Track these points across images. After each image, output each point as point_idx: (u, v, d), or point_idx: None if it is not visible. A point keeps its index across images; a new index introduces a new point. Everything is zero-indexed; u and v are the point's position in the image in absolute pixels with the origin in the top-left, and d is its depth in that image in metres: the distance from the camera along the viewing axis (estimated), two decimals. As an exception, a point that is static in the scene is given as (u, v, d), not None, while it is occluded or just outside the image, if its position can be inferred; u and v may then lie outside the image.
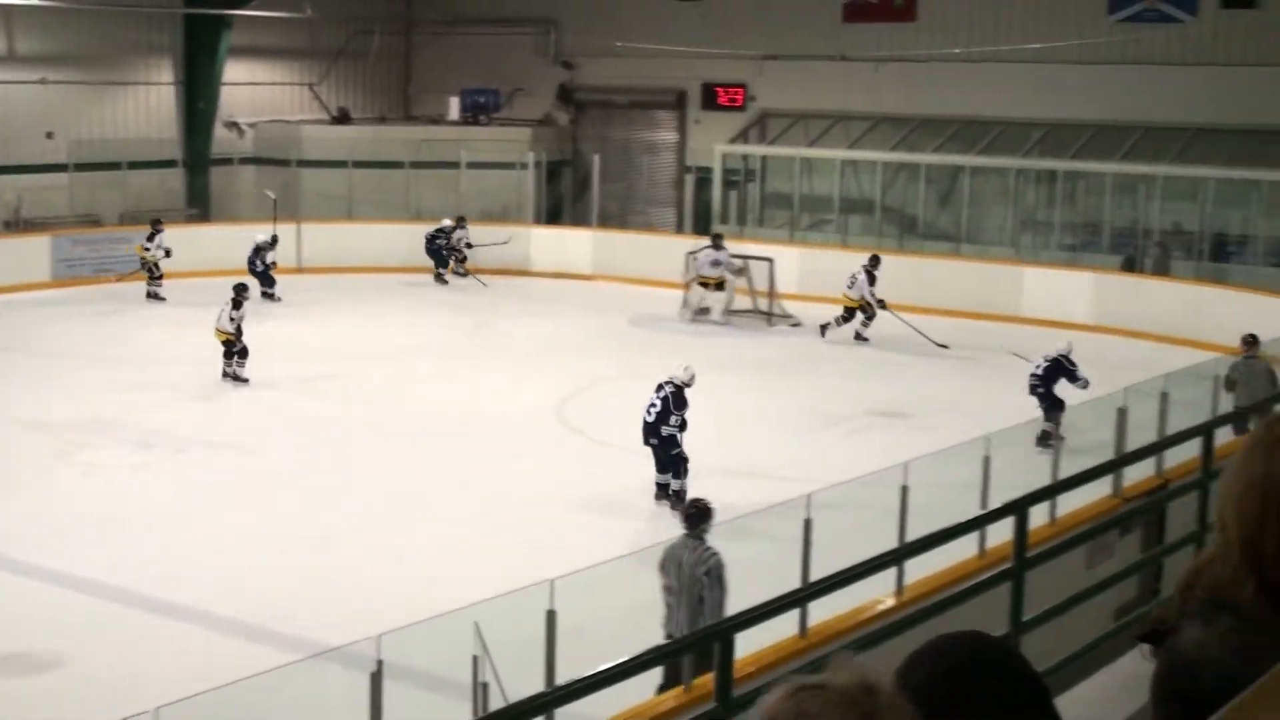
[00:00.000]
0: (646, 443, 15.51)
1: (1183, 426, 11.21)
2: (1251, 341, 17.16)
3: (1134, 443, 12.20)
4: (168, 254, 27.30)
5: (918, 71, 30.62)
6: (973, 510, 9.32)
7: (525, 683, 7.59)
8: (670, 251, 28.83)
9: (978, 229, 29.75)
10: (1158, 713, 2.64)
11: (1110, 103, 28.43)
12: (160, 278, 27.42)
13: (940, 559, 9.94)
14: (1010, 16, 29.70)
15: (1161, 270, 26.86)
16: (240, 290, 21.47)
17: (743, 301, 26.59)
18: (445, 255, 30.11)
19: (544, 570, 9.22)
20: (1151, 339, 24.65)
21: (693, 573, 10.10)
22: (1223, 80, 27.46)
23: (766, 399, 20.52)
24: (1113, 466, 11.14)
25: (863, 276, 24.78)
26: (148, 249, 27.37)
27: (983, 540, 10.53)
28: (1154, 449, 11.88)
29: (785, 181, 32.06)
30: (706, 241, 27.28)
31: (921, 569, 10.05)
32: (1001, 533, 8.37)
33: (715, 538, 10.20)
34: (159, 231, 27.54)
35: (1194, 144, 27.41)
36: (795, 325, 26.02)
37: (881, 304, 24.59)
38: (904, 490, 10.76)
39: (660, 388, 15.52)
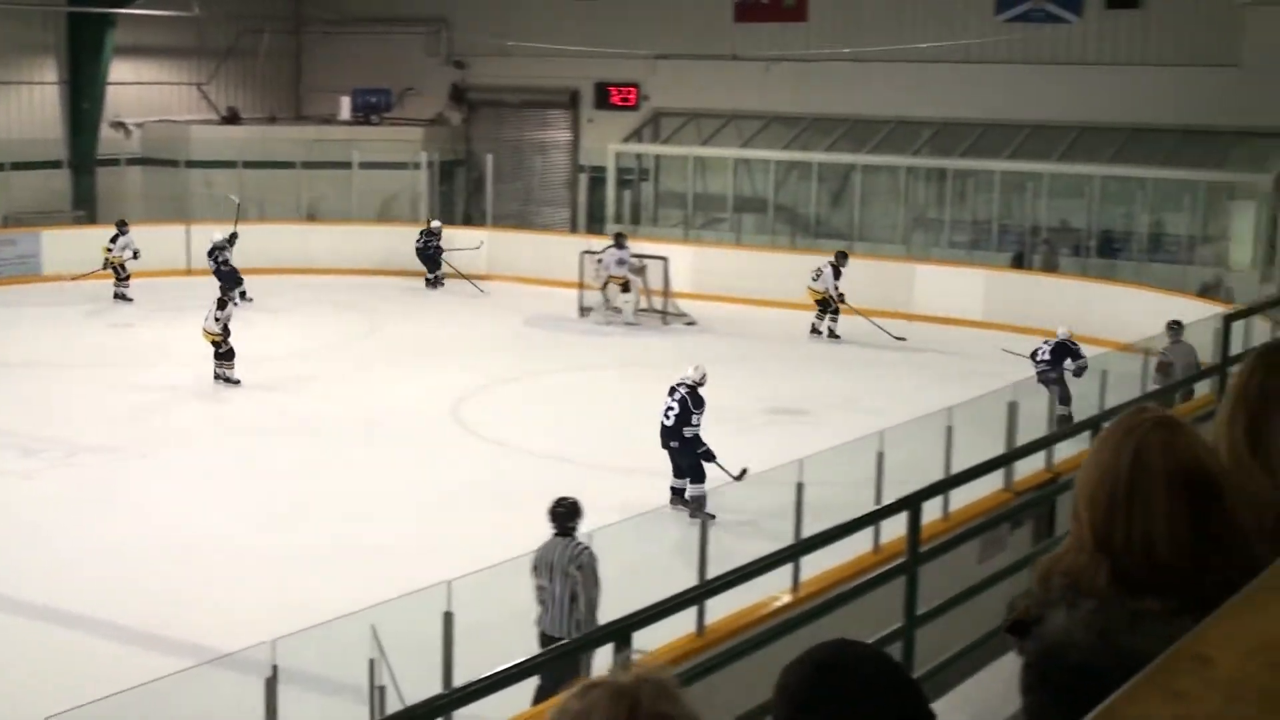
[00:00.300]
0: (665, 446, 15.28)
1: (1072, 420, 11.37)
2: (1176, 327, 17.71)
3: (1024, 436, 12.37)
4: (135, 255, 27.27)
5: (809, 71, 30.82)
6: (868, 506, 9.38)
7: (423, 685, 7.54)
8: (565, 251, 28.84)
9: (870, 227, 30.00)
10: (1028, 702, 2.71)
11: (998, 102, 28.79)
12: (127, 279, 27.29)
13: (836, 555, 10.01)
14: (899, 17, 29.98)
15: (1050, 267, 27.27)
16: (225, 291, 21.21)
17: (627, 298, 26.59)
18: (438, 258, 29.74)
19: (441, 571, 9.17)
20: (1040, 334, 24.94)
21: (565, 569, 10.15)
22: (1108, 79, 27.91)
23: (662, 398, 20.50)
24: (1004, 461, 11.27)
25: (828, 270, 25.02)
26: (110, 249, 27.26)
27: (877, 536, 10.62)
28: (1044, 443, 12.06)
29: (679, 180, 32.15)
30: (607, 241, 27.32)
31: (817, 565, 10.11)
32: (896, 528, 8.44)
33: (614, 537, 10.22)
34: (124, 233, 27.44)
35: (1080, 142, 27.84)
36: (690, 324, 26.10)
37: (841, 298, 24.84)
38: (799, 487, 10.83)
39: (673, 390, 15.35)
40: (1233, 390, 3.29)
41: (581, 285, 27.01)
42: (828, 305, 25.18)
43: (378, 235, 31.28)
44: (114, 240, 27.37)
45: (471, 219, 34.10)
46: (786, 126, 31.03)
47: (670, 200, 32.35)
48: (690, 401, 15.19)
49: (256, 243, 29.99)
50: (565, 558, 10.20)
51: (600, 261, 26.50)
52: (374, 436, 18.26)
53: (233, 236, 27.29)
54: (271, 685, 7.85)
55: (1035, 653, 2.69)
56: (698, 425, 15.09)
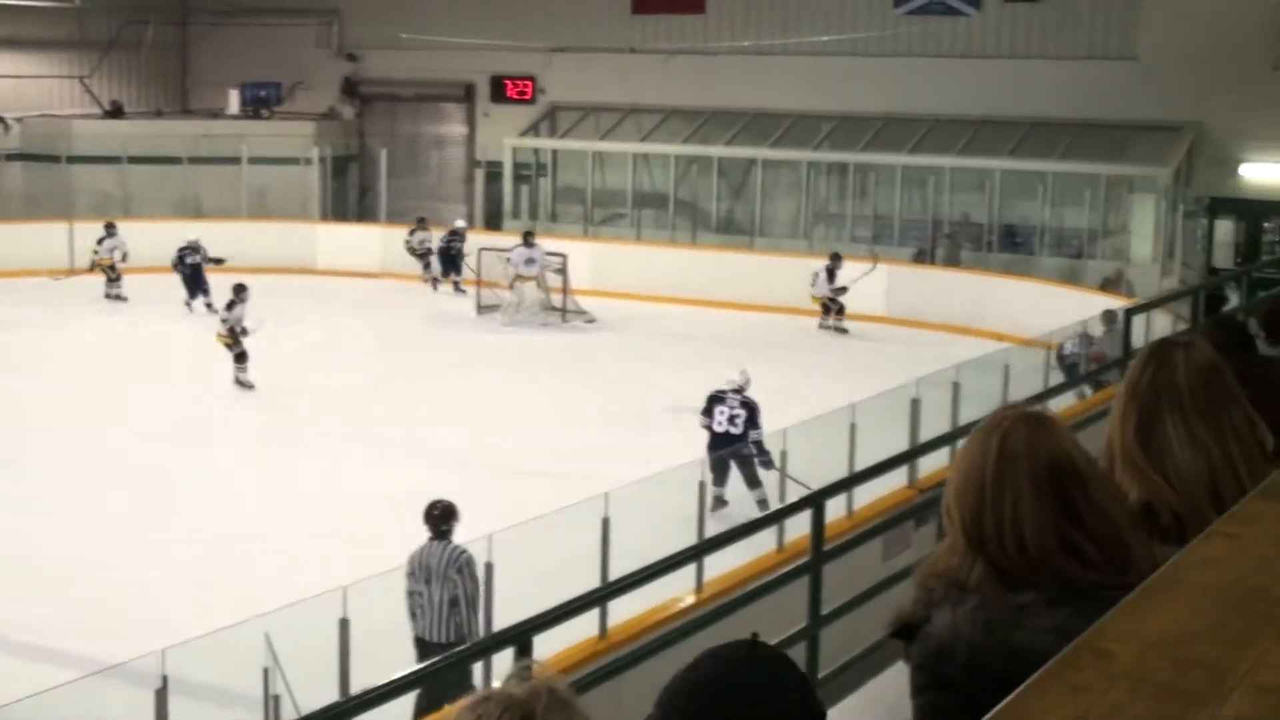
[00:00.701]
0: (717, 451, 14.85)
1: (975, 416, 11.50)
2: (1111, 317, 18.06)
3: (928, 432, 12.49)
4: (124, 257, 27.36)
5: (708, 64, 30.94)
6: (771, 504, 9.45)
7: (319, 693, 7.50)
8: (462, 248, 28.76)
9: (771, 222, 30.19)
10: (919, 704, 2.76)
11: (898, 95, 29.07)
12: (118, 279, 27.30)
13: (739, 554, 10.07)
14: (798, 10, 30.20)
15: (952, 262, 27.58)
16: (237, 291, 21.17)
17: (536, 297, 26.56)
18: (459, 261, 28.96)
19: (336, 576, 9.12)
20: (942, 330, 25.27)
21: (445, 573, 10.13)
22: (1007, 73, 28.29)
23: (562, 397, 20.55)
24: (907, 457, 11.39)
25: (823, 274, 25.22)
26: (98, 251, 27.27)
27: (781, 534, 10.69)
28: (947, 439, 12.18)
29: (577, 176, 32.16)
30: (512, 240, 27.31)
31: (721, 565, 10.17)
32: (800, 526, 8.50)
33: (512, 539, 10.19)
34: (111, 235, 27.51)
35: (980, 136, 28.18)
36: (590, 322, 26.11)
37: (841, 293, 25.42)
38: (702, 486, 10.88)
39: (722, 397, 15.29)
40: (1125, 387, 3.35)
41: (479, 283, 26.93)
42: (829, 308, 25.56)
43: (267, 233, 30.97)
44: (100, 242, 27.46)
45: (364, 216, 33.91)
46: (686, 120, 31.13)
47: (569, 196, 32.35)
48: (755, 408, 15.23)
49: (140, 241, 29.59)
50: (444, 562, 10.18)
51: (509, 260, 26.38)
52: (264, 439, 18.09)
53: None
54: (162, 696, 7.76)
55: (923, 654, 2.75)
56: (762, 430, 14.96)
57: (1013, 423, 2.77)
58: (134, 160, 32.10)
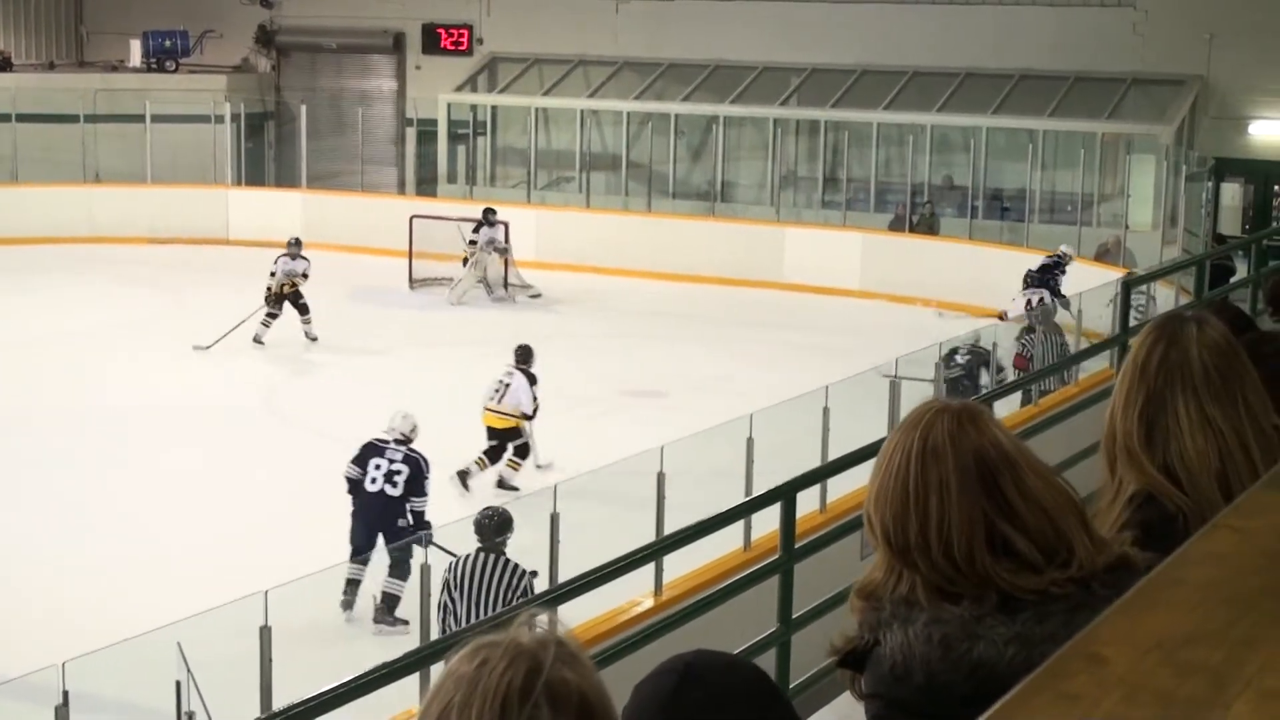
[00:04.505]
0: (366, 518, 13.07)
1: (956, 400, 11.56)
2: (1045, 312, 18.30)
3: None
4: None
5: (663, 11, 30.93)
6: (736, 498, 9.48)
7: (238, 707, 7.52)
8: (392, 215, 28.56)
9: (734, 187, 30.22)
10: None
11: (875, 46, 29.09)
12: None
13: (702, 553, 10.11)
14: (765, -50, 30.21)
15: (932, 230, 27.67)
16: (293, 244, 22.75)
17: (496, 274, 26.24)
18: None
19: (256, 580, 9.12)
20: (922, 304, 25.38)
21: (506, 596, 9.88)
22: (992, 20, 28.36)
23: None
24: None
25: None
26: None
27: (748, 531, 10.74)
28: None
29: (519, 135, 32.10)
30: (448, 207, 27.30)
31: (682, 565, 10.21)
32: (768, 522, 8.56)
33: (455, 536, 10.22)
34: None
35: (963, 90, 28.23)
36: (535, 297, 26.06)
37: None
38: (660, 477, 10.91)
39: (381, 447, 13.17)
40: (1129, 368, 3.36)
41: (411, 254, 26.85)
42: None
43: (173, 199, 30.76)
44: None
45: (282, 179, 33.74)
46: (640, 74, 31.09)
47: (510, 157, 32.30)
48: (420, 464, 13.07)
49: (33, 208, 29.43)
50: (505, 584, 9.95)
51: (474, 243, 26.01)
52: (173, 430, 18.02)
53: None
54: (62, 713, 7.76)
55: (876, 680, 2.74)
56: (426, 497, 13.07)
57: (935, 414, 2.78)
58: (23, 118, 31.76)
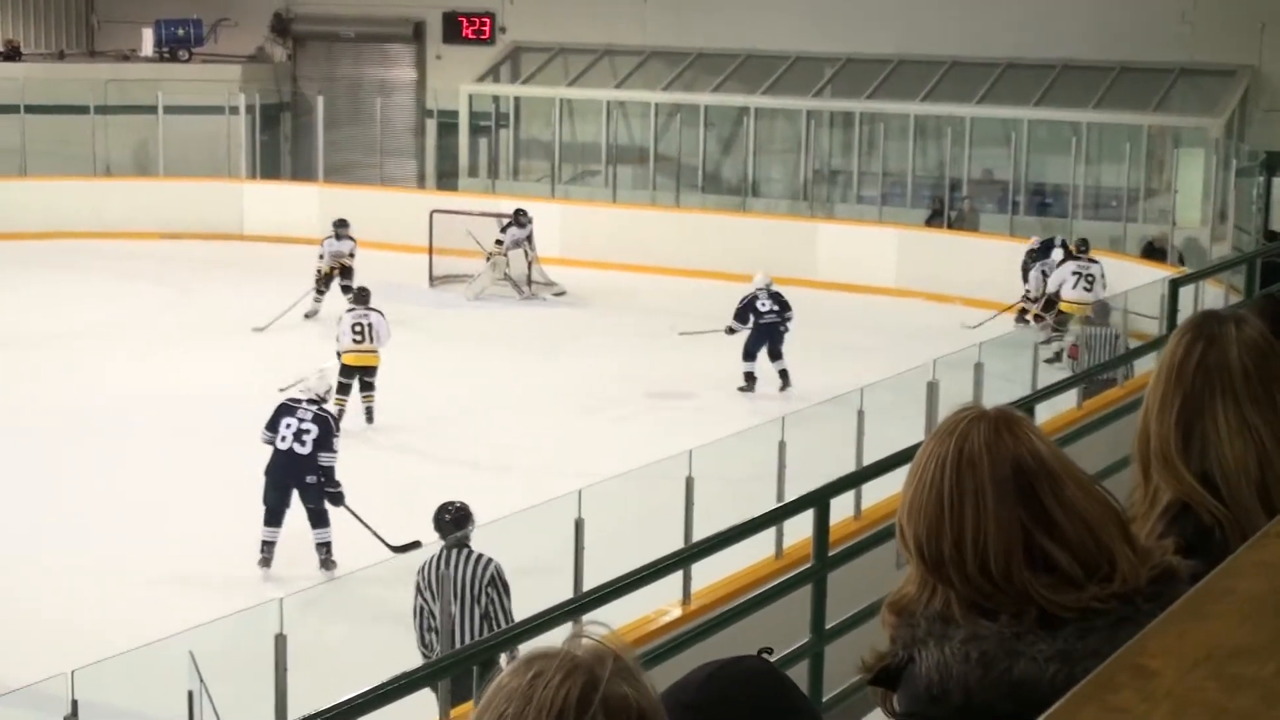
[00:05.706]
0: (277, 474, 13.91)
1: (1000, 402, 11.54)
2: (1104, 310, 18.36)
3: (945, 422, 12.52)
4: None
5: (694, -1, 30.92)
6: (768, 503, 9.47)
7: (255, 717, 7.54)
8: (411, 209, 28.60)
9: (766, 181, 30.19)
10: None
11: (912, 34, 29.02)
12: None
13: (732, 561, 10.11)
14: (798, -65, 30.17)
15: (971, 225, 27.62)
16: (339, 225, 24.05)
17: (521, 271, 26.29)
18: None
19: (270, 586, 9.15)
20: (962, 303, 25.31)
21: (475, 591, 10.01)
22: (1036, 9, 28.24)
23: (527, 381, 20.55)
24: (922, 449, 11.41)
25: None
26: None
27: (780, 538, 10.73)
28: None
29: (543, 127, 32.11)
30: (469, 201, 27.37)
31: (711, 573, 10.21)
32: (801, 529, 8.55)
33: (475, 544, 10.23)
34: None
35: (1004, 81, 28.16)
36: (559, 294, 26.08)
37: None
38: (689, 482, 10.90)
39: (293, 407, 14.01)
40: (1165, 370, 3.33)
41: (432, 250, 26.88)
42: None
43: (188, 192, 30.86)
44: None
45: (298, 173, 33.81)
46: (668, 64, 31.08)
47: (534, 150, 32.31)
48: (329, 422, 14.10)
49: (41, 201, 29.54)
50: (474, 579, 10.04)
51: (500, 242, 26.00)
52: (181, 427, 18.05)
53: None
54: (72, 724, 7.79)
55: (911, 699, 2.72)
56: (335, 453, 14.00)
57: (970, 423, 2.75)
58: (32, 110, 31.92)
